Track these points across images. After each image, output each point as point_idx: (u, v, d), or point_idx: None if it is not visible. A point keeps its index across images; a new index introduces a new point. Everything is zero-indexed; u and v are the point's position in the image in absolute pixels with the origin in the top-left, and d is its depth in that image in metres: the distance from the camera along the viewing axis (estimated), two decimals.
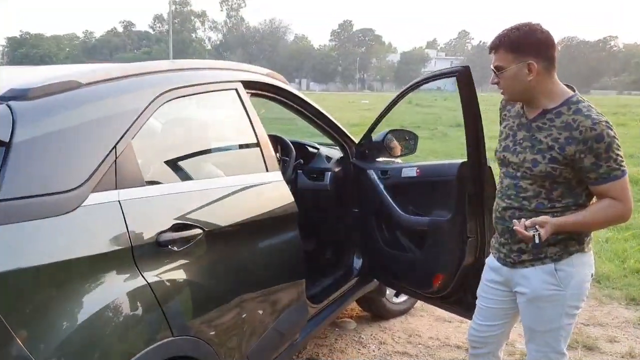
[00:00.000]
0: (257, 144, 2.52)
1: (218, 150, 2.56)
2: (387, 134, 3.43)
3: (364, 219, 3.43)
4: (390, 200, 3.18)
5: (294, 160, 3.38)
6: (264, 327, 2.40)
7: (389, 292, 3.90)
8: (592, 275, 2.14)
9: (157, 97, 2.05)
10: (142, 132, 1.97)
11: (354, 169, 3.48)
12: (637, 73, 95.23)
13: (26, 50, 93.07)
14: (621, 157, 1.94)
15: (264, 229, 2.43)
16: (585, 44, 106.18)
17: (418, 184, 3.14)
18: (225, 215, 2.20)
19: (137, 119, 1.93)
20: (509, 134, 2.16)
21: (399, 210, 3.13)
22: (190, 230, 1.99)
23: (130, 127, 1.90)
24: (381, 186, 3.26)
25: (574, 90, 2.06)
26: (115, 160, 1.81)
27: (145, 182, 1.92)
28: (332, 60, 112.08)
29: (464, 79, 2.58)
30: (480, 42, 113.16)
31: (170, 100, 2.12)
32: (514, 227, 1.99)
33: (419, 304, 4.19)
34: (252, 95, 2.70)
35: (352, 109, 29.08)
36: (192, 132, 2.47)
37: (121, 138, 1.85)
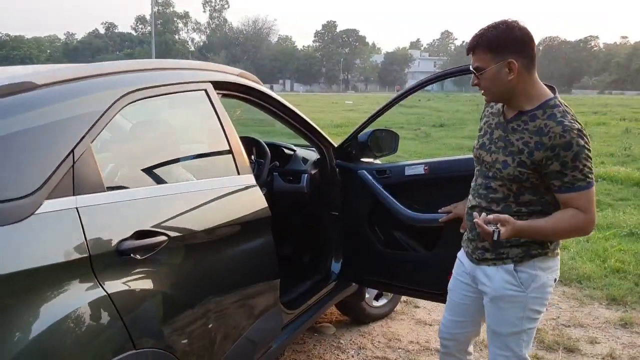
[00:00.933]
0: (228, 146, 2.43)
1: (186, 154, 2.48)
2: (372, 133, 3.36)
3: (350, 221, 3.37)
4: (394, 200, 3.10)
5: (269, 162, 3.30)
6: (235, 336, 2.32)
7: (368, 295, 3.84)
8: (555, 280, 2.10)
9: (120, 98, 1.96)
10: (103, 136, 1.89)
11: (339, 170, 3.41)
12: (617, 73, 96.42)
13: (6, 52, 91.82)
14: (589, 167, 1.89)
15: (235, 234, 2.35)
16: (567, 44, 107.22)
17: (425, 182, 3.05)
18: (193, 221, 2.11)
19: (97, 121, 1.85)
20: (487, 131, 2.13)
21: (406, 210, 3.04)
22: (155, 238, 1.90)
23: (89, 130, 1.81)
24: (379, 186, 3.19)
25: (554, 92, 2.01)
26: (73, 165, 1.72)
27: (107, 187, 1.83)
28: (316, 61, 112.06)
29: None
30: (463, 42, 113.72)
31: (134, 101, 2.04)
32: (475, 220, 1.95)
33: (399, 307, 4.14)
34: (224, 96, 2.62)
35: (336, 110, 29.10)
36: (158, 135, 2.38)
37: (79, 142, 1.77)
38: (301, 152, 3.63)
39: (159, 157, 2.26)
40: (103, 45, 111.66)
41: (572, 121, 1.89)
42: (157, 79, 2.21)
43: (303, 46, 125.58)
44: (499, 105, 2.10)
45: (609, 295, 4.38)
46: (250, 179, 2.50)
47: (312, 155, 3.55)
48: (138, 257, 1.83)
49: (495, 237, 1.88)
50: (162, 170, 2.23)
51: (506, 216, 1.92)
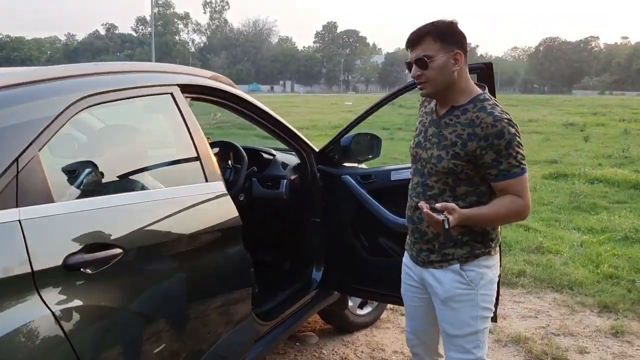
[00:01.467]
0: (196, 153, 2.33)
1: (148, 160, 2.36)
2: (354, 137, 3.27)
3: (332, 228, 3.27)
4: (379, 205, 3.01)
5: (247, 167, 3.20)
6: (201, 352, 2.22)
7: (352, 303, 3.74)
8: (499, 276, 2.20)
9: (74, 103, 1.86)
10: (53, 143, 1.78)
11: (321, 175, 3.31)
12: (618, 73, 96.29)
13: (6, 53, 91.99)
14: (522, 154, 1.95)
15: (201, 244, 2.24)
16: (567, 45, 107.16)
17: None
18: (153, 232, 2.01)
19: (46, 128, 1.75)
20: (421, 130, 2.17)
21: (392, 215, 2.94)
22: (108, 251, 1.80)
23: (37, 138, 1.71)
24: (363, 191, 3.09)
25: (484, 89, 2.08)
26: (17, 175, 1.62)
27: (55, 198, 1.72)
28: (317, 62, 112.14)
29: (486, 76, 2.41)
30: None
31: (90, 106, 1.94)
32: (424, 211, 1.93)
33: (385, 315, 4.04)
34: (193, 99, 2.52)
35: (335, 111, 29.00)
36: (118, 141, 2.28)
37: (25, 150, 1.67)
38: (281, 156, 3.53)
39: (119, 165, 2.16)
40: (104, 47, 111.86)
41: (501, 112, 1.95)
42: (118, 82, 2.10)
43: (303, 47, 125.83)
44: (432, 104, 2.16)
45: (600, 303, 4.26)
46: (219, 186, 2.39)
47: (292, 160, 3.45)
48: (89, 271, 1.73)
49: (446, 226, 1.89)
50: (122, 178, 2.13)
51: (452, 204, 1.94)
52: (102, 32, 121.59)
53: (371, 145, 3.35)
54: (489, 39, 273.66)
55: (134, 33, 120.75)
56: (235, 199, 3.27)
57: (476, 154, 1.95)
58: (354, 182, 3.15)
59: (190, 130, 2.34)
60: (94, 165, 2.05)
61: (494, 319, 2.28)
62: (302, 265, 3.42)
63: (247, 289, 2.50)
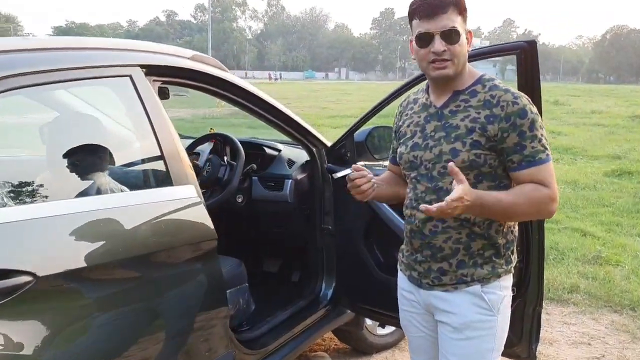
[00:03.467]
0: (159, 149, 1.89)
1: (84, 160, 1.90)
2: (370, 132, 2.78)
3: (343, 237, 2.80)
4: (395, 215, 2.54)
5: (243, 164, 2.74)
6: None
7: (371, 322, 3.25)
8: (511, 298, 1.86)
9: None
10: None
11: (330, 176, 2.83)
12: None
13: None
14: (545, 138, 1.67)
15: (155, 265, 1.80)
16: (636, 33, 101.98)
17: None
18: (80, 253, 1.56)
19: None
20: (416, 130, 1.82)
21: None
22: (12, 279, 1.39)
23: None
24: None
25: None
26: None
27: None
28: (373, 48, 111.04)
29: (529, 58, 1.96)
30: (526, 30, 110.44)
31: (9, 90, 1.53)
32: (438, 205, 1.51)
33: None
34: (165, 83, 2.10)
35: None
36: (42, 135, 1.85)
37: None
38: (288, 152, 3.06)
39: (38, 165, 1.74)
40: (163, 33, 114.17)
41: (516, 90, 1.72)
42: (52, 61, 1.68)
43: (360, 34, 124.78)
44: (421, 100, 1.85)
45: None
46: (189, 190, 1.94)
47: (301, 157, 2.98)
48: None
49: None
50: (41, 183, 1.70)
51: (457, 192, 1.51)
52: (163, 18, 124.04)
53: (390, 140, 2.84)
54: (552, 26, 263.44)
55: (193, 20, 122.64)
56: (232, 201, 2.86)
57: (497, 138, 1.65)
58: None
59: (153, 121, 1.90)
60: (12, 166, 1.64)
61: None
62: (309, 279, 2.96)
63: (222, 321, 2.05)
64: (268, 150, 3.08)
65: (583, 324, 3.77)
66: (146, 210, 1.79)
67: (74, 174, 1.79)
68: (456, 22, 1.63)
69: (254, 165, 2.91)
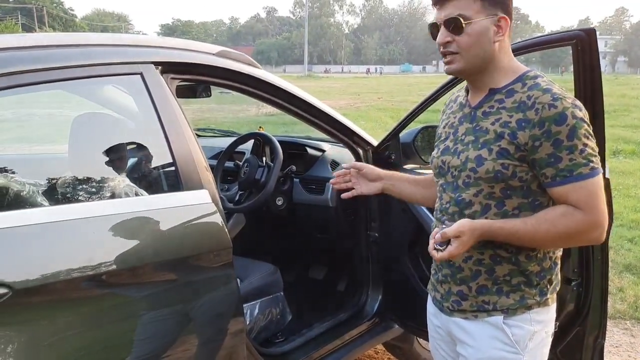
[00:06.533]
0: (168, 152, 1.76)
1: (82, 163, 1.80)
2: (419, 131, 2.54)
3: (388, 247, 2.58)
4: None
5: (280, 165, 2.56)
6: None
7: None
8: (552, 335, 1.57)
9: None
10: None
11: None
12: None
13: (176, 36, 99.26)
14: (591, 149, 1.38)
15: (150, 279, 1.67)
16: None
17: None
18: (71, 263, 1.46)
19: None
20: (449, 132, 1.61)
21: None
22: None
23: None
24: (422, 207, 2.37)
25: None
26: None
27: None
28: None
29: (587, 49, 1.71)
30: None
31: (9, 88, 1.46)
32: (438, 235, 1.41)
33: None
34: (185, 81, 1.97)
35: None
36: (34, 137, 1.77)
37: None
38: (333, 153, 2.86)
39: (30, 168, 1.65)
40: (263, 30, 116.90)
41: (562, 90, 1.43)
42: (49, 58, 1.59)
43: None
44: (461, 98, 1.64)
45: None
46: (202, 196, 1.79)
47: (347, 157, 2.77)
48: None
49: (438, 255, 1.41)
50: (31, 188, 1.62)
51: (458, 225, 1.39)
52: (263, 15, 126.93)
53: None
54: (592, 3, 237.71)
55: (291, 16, 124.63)
56: (271, 204, 2.71)
57: (529, 147, 1.39)
58: None
59: (163, 121, 1.77)
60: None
61: None
62: (354, 289, 2.76)
63: (238, 337, 1.89)
64: (310, 151, 2.89)
65: None
66: (147, 218, 1.67)
67: (71, 180, 1.70)
68: (469, 8, 1.41)
69: (293, 167, 2.74)
